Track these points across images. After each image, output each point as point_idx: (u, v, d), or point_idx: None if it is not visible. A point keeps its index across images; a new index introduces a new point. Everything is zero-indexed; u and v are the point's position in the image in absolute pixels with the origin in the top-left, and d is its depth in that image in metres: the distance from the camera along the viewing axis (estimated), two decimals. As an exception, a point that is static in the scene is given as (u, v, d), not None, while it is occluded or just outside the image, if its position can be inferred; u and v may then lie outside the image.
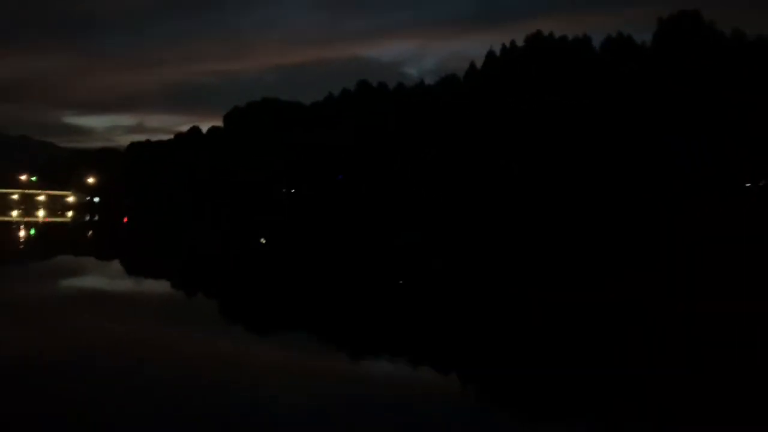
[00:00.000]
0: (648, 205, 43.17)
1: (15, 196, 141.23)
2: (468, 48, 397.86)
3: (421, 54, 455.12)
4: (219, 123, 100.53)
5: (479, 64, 58.42)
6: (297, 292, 18.24)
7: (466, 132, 49.07)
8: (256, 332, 13.02)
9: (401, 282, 20.90)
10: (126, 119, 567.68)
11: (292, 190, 67.97)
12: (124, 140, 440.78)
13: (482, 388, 9.44)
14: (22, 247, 35.81)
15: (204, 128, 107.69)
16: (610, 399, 8.63)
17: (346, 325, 13.51)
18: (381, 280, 21.38)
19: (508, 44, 55.51)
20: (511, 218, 47.11)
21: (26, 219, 73.99)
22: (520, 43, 54.82)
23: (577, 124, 45.84)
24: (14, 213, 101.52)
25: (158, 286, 20.14)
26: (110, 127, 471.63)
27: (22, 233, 47.03)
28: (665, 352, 11.38)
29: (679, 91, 44.49)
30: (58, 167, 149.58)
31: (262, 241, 44.57)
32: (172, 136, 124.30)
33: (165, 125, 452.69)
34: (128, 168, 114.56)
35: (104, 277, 21.89)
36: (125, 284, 20.33)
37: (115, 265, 27.19)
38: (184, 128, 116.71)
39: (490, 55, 56.61)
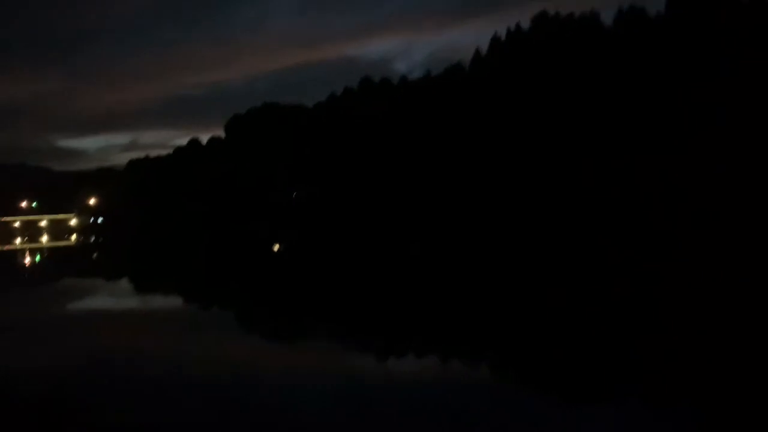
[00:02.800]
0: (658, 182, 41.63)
1: (17, 224, 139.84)
2: (457, 39, 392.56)
3: (408, 49, 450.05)
4: (217, 133, 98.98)
5: (470, 55, 57.00)
6: (313, 297, 17.00)
7: (478, 121, 47.23)
8: (274, 338, 12.58)
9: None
10: (119, 138, 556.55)
11: (300, 194, 66.30)
12: (119, 159, 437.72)
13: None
14: (28, 273, 34.18)
15: (203, 140, 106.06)
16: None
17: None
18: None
19: (513, 27, 53.70)
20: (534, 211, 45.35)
21: (31, 246, 72.36)
22: (524, 25, 53.04)
23: (593, 100, 43.95)
24: (18, 241, 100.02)
25: (169, 302, 18.88)
26: (104, 147, 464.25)
27: (27, 260, 45.33)
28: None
29: (690, 64, 42.53)
30: (57, 191, 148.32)
31: (275, 248, 42.80)
32: (170, 151, 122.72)
33: (160, 140, 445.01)
34: (129, 186, 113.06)
35: (113, 297, 20.34)
36: (135, 302, 18.84)
37: (124, 283, 25.62)
38: (182, 141, 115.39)
39: (495, 40, 54.79)
